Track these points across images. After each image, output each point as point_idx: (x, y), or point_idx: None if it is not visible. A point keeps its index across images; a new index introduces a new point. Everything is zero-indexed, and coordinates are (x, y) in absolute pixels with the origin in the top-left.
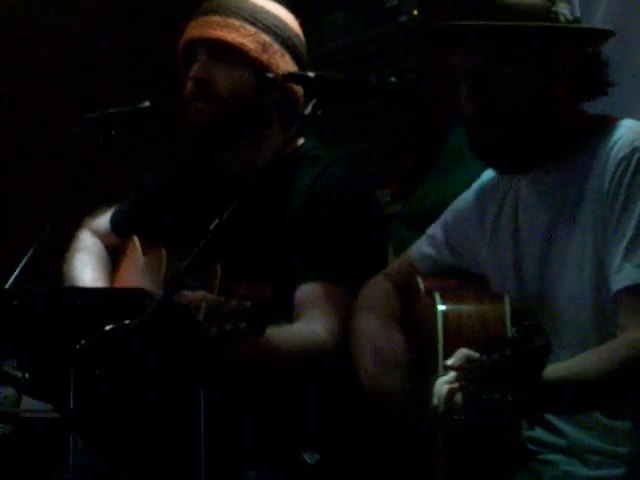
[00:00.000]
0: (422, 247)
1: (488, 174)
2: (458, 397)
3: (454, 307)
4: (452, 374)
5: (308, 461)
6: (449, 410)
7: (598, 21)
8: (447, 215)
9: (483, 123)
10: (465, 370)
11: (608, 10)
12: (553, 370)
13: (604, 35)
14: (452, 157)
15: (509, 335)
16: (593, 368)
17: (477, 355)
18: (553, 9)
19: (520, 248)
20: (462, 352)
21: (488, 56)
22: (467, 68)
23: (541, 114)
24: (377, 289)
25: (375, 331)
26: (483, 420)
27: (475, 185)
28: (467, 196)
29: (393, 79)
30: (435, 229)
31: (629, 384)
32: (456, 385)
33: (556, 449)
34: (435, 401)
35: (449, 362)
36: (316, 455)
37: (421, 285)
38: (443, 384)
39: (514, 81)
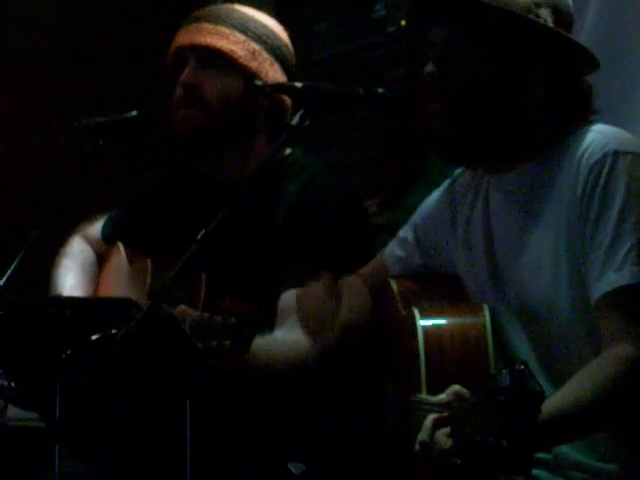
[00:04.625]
0: (393, 249)
1: (458, 174)
2: (446, 437)
3: (434, 322)
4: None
5: (294, 472)
6: (437, 447)
7: (587, 27)
8: (416, 217)
9: (440, 105)
10: (456, 410)
11: (597, 13)
12: (546, 406)
13: (577, 48)
14: (439, 167)
15: (500, 379)
16: (587, 397)
17: (468, 394)
18: (535, 10)
19: (494, 253)
20: (453, 389)
21: (454, 33)
22: (434, 43)
23: (496, 105)
24: (356, 293)
25: None
26: (475, 462)
27: (444, 186)
28: (436, 198)
29: (380, 90)
30: (406, 231)
31: (625, 402)
32: (447, 424)
33: (540, 463)
34: (424, 436)
35: (439, 397)
36: (302, 466)
37: (395, 290)
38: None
39: (471, 61)
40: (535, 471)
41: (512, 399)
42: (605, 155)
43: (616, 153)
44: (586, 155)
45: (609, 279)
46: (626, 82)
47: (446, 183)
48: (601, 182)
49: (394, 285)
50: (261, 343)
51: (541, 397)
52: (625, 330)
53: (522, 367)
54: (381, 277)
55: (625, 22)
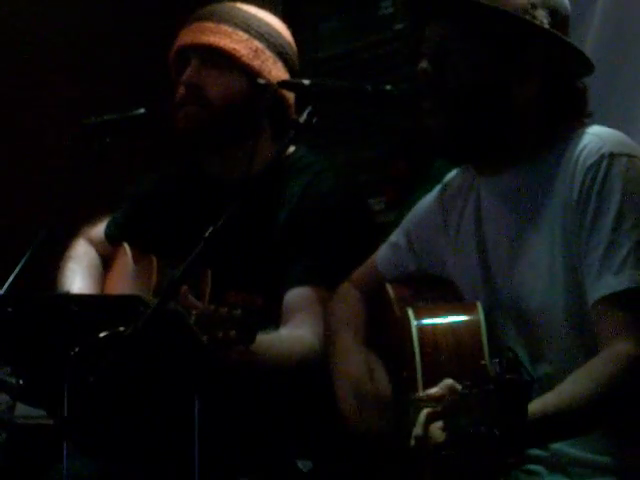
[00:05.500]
0: (386, 255)
1: (449, 178)
2: (440, 431)
3: (428, 321)
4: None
5: (302, 469)
6: (432, 441)
7: (594, 28)
8: (408, 222)
9: (432, 102)
10: (449, 402)
11: (604, 13)
12: (542, 403)
13: (572, 50)
14: (446, 165)
15: (490, 370)
16: (583, 393)
17: (460, 387)
18: (531, 11)
19: (486, 255)
20: (445, 383)
21: (449, 31)
22: (429, 40)
23: (491, 104)
24: (350, 302)
25: (355, 364)
26: (469, 453)
27: (436, 191)
28: (428, 202)
29: (388, 87)
30: (398, 236)
31: (621, 401)
32: (440, 417)
33: (538, 460)
34: (418, 431)
35: (432, 391)
36: (310, 463)
37: (392, 295)
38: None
39: (467, 60)
40: (533, 467)
41: (501, 387)
42: (601, 157)
43: (612, 155)
44: (582, 158)
45: (607, 282)
46: (634, 84)
47: (437, 188)
48: (597, 185)
49: (390, 290)
50: (266, 339)
51: (530, 384)
52: (624, 330)
53: (510, 355)
54: (375, 282)
55: (633, 22)
